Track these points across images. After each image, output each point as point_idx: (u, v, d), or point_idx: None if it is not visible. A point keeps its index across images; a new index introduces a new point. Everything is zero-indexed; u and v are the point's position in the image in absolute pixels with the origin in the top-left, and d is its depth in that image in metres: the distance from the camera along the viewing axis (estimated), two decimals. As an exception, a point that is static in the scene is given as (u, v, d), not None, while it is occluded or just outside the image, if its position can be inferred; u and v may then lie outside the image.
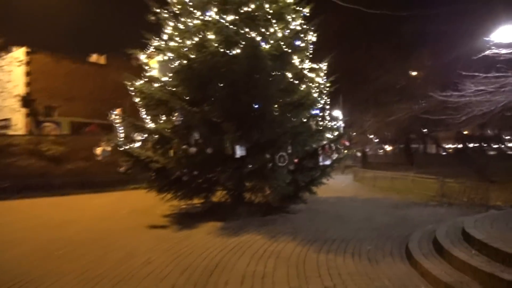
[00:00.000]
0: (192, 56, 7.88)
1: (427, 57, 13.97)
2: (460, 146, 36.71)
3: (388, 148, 46.14)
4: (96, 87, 23.20)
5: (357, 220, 7.63)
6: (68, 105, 22.26)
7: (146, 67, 8.70)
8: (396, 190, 12.74)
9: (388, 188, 13.45)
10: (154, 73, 8.04)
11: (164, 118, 8.83)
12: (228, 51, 7.78)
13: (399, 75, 13.74)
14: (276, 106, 8.53)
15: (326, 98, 9.45)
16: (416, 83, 13.21)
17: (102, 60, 26.36)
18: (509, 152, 33.62)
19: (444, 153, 39.18)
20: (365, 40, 15.81)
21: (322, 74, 9.72)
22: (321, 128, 8.94)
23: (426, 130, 18.95)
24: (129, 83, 8.43)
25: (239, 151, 7.28)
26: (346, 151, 9.02)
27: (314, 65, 9.77)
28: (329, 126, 9.20)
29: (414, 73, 14.94)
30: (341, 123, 9.06)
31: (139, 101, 8.80)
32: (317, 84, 9.37)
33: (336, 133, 9.44)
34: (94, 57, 26.41)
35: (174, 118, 7.21)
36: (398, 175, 13.55)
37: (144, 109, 9.13)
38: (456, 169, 21.34)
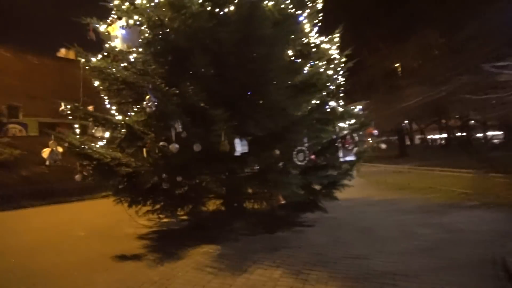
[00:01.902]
0: (167, 20, 5.76)
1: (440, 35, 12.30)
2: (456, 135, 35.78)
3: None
4: (65, 84, 20.70)
5: (394, 236, 5.70)
6: (34, 105, 20.18)
7: (107, 39, 6.51)
8: (411, 187, 10.96)
9: (400, 185, 11.66)
10: (117, 44, 5.85)
11: (136, 108, 6.70)
12: (216, 11, 5.69)
13: (411, 55, 12.04)
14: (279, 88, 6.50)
15: (342, 76, 7.50)
16: (432, 64, 11.53)
17: (71, 54, 23.78)
18: (495, 141, 32.72)
19: (438, 144, 38.06)
20: (371, 14, 13.90)
21: (334, 47, 7.79)
22: (340, 113, 6.94)
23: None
24: (83, 61, 6.23)
25: (240, 147, 5.24)
26: (371, 143, 7.11)
27: (323, 38, 7.82)
28: (349, 110, 7.19)
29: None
30: (359, 107, 7.04)
31: (99, 85, 6.62)
32: (328, 59, 7.44)
33: (354, 120, 7.46)
34: (62, 52, 23.87)
35: (145, 103, 5.08)
36: (406, 169, 11.80)
37: (106, 96, 6.96)
38: (458, 160, 19.95)
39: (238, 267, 4.50)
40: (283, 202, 5.59)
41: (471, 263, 4.25)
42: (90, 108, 7.04)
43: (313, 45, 7.53)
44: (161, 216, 6.69)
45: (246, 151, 5.46)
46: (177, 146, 5.45)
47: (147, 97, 5.17)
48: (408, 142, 39.04)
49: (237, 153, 5.30)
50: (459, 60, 9.89)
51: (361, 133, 6.96)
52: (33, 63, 21.19)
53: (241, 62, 5.79)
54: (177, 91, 5.44)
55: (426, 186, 10.56)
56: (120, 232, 6.87)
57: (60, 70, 21.57)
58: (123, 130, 6.18)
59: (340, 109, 7.16)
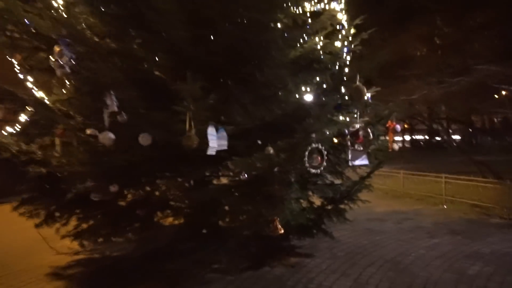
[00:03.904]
0: None
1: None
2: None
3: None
4: None
5: (444, 279, 3.92)
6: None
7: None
8: (409, 196, 9.40)
9: (395, 191, 10.06)
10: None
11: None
12: None
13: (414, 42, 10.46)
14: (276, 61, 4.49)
15: (349, 52, 5.62)
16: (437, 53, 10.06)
17: None
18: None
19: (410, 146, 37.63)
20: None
21: (340, 15, 5.91)
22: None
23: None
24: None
25: (215, 141, 3.20)
26: (392, 143, 5.25)
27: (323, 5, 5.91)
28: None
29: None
30: (368, 95, 5.12)
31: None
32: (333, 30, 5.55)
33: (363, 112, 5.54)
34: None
35: (53, 62, 2.93)
36: (393, 172, 10.24)
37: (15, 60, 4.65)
38: (438, 163, 18.98)
39: None
40: (281, 231, 3.65)
41: None
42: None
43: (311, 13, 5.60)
44: (85, 243, 4.50)
45: (225, 147, 3.42)
46: (111, 136, 3.34)
47: (57, 50, 3.00)
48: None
49: (211, 151, 3.25)
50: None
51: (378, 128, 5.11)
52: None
53: (226, 26, 3.74)
54: (116, 47, 3.30)
55: (424, 194, 9.03)
56: (29, 263, 4.61)
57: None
58: (30, 110, 3.95)
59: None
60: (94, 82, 3.21)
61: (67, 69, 3.08)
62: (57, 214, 4.35)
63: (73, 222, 4.69)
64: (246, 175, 3.50)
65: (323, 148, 3.43)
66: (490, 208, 7.21)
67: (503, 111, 11.61)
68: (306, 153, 3.31)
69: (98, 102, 3.39)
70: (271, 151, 3.56)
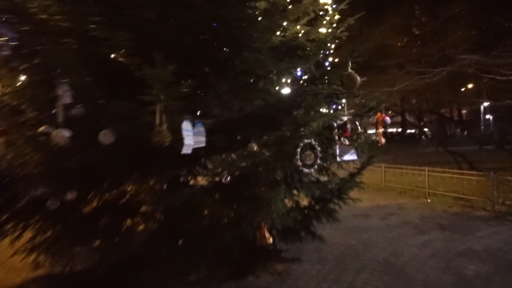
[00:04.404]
0: None
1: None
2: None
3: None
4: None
5: (444, 282, 3.65)
6: None
7: None
8: (390, 189, 9.26)
9: (374, 184, 9.89)
10: None
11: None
12: None
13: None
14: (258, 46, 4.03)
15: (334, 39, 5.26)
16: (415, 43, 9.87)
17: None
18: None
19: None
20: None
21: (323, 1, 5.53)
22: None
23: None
24: None
25: (191, 138, 2.73)
26: (381, 136, 4.94)
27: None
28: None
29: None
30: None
31: None
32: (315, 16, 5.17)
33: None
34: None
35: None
36: (387, 168, 10.08)
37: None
38: (411, 155, 19.26)
39: None
40: (270, 241, 3.24)
41: None
42: None
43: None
44: (42, 257, 3.90)
45: (203, 145, 2.95)
46: (65, 133, 2.80)
47: None
48: None
49: (186, 149, 2.78)
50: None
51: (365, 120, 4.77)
52: None
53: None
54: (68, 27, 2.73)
55: (406, 188, 8.89)
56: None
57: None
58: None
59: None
60: (42, 68, 2.65)
61: (7, 52, 2.50)
62: (7, 226, 3.72)
63: (27, 234, 4.09)
64: (228, 178, 3.04)
65: (316, 144, 3.02)
66: (474, 201, 7.12)
67: (478, 100, 11.73)
68: (298, 150, 2.89)
69: (50, 92, 2.83)
70: (255, 147, 3.13)
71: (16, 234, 4.03)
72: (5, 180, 3.52)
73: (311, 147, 2.96)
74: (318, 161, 3.00)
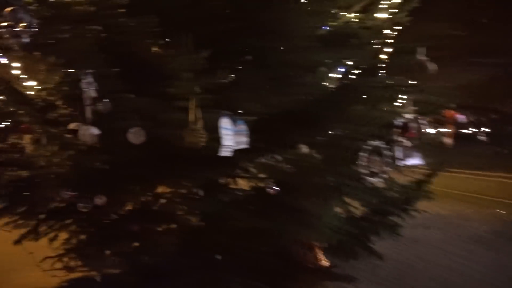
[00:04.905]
0: None
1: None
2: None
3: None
4: None
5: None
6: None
7: None
8: (458, 197, 8.27)
9: (440, 192, 8.94)
10: None
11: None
12: None
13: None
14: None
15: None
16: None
17: None
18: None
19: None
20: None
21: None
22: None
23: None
24: None
25: (231, 138, 2.31)
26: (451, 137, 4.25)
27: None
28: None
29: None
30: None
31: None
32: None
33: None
34: None
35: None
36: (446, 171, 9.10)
37: None
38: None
39: None
40: (326, 263, 2.74)
41: None
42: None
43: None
44: (74, 259, 3.70)
45: (245, 146, 2.52)
46: (93, 131, 2.51)
47: (8, 11, 2.16)
48: None
49: (225, 152, 2.36)
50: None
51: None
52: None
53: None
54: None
55: (469, 195, 7.92)
56: (9, 281, 3.89)
57: None
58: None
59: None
60: (64, 57, 2.37)
61: (26, 39, 2.24)
62: (42, 227, 3.57)
63: (63, 236, 3.95)
64: (274, 188, 2.59)
65: (383, 147, 2.48)
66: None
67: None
68: (361, 153, 2.38)
69: (74, 86, 2.56)
70: (305, 149, 2.64)
71: (52, 235, 3.92)
72: (37, 180, 3.37)
73: (377, 151, 2.43)
74: (387, 168, 2.46)
